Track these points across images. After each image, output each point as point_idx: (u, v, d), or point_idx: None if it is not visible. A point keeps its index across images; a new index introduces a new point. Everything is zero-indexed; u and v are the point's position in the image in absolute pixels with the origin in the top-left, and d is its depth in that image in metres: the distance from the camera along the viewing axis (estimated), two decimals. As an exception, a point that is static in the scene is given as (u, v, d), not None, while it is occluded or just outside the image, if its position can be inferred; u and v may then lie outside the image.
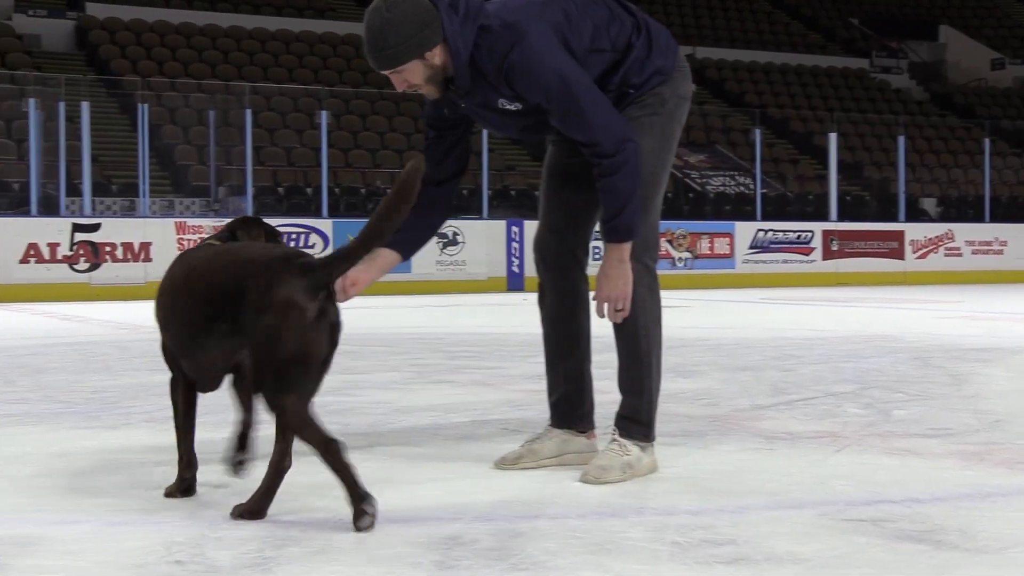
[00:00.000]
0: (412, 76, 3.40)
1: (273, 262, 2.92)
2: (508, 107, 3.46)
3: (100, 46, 25.34)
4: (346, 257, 2.94)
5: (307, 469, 3.65)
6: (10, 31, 25.20)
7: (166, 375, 6.38)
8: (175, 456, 3.63)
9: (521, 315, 11.85)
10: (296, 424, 2.91)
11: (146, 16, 26.70)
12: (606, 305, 3.49)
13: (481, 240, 18.19)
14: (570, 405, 3.77)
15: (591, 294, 3.66)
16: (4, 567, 2.57)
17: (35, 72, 22.29)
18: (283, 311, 2.84)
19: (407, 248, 3.63)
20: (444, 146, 3.68)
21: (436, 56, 3.38)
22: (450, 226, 18.16)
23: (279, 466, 3.00)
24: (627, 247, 3.44)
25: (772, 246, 20.48)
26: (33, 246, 15.77)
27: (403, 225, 3.54)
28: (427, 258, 17.77)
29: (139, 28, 26.15)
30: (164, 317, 3.20)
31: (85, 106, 17.66)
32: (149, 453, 3.98)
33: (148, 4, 27.42)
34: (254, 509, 3.00)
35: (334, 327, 2.92)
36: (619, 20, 3.55)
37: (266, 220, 3.50)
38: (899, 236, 21.63)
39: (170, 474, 3.57)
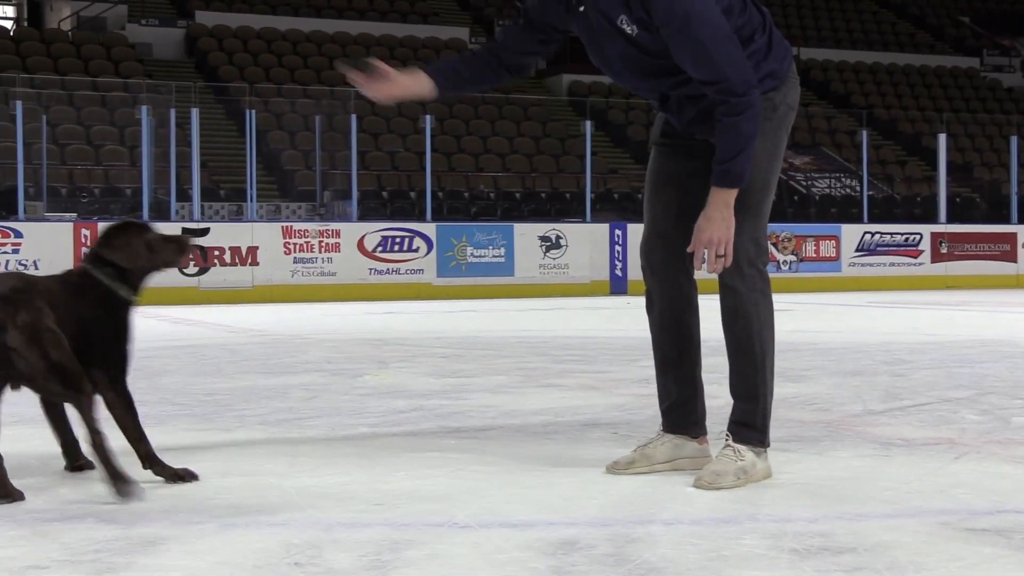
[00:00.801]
0: None
1: None
2: (624, 28, 3.42)
3: (209, 53, 25.80)
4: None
5: (419, 473, 3.68)
6: (123, 40, 25.76)
7: (278, 378, 6.48)
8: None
9: (625, 318, 11.81)
10: None
11: (253, 23, 27.14)
12: (706, 253, 3.42)
13: (584, 243, 18.17)
14: (682, 410, 3.74)
15: (698, 298, 3.63)
16: (128, 566, 2.62)
17: (147, 80, 22.76)
18: None
19: (446, 86, 3.68)
20: (518, 41, 3.68)
21: None
22: (553, 229, 18.19)
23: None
24: (734, 193, 3.40)
25: (879, 249, 20.17)
26: (145, 250, 16.06)
27: (451, 66, 3.68)
28: (530, 261, 17.82)
29: (246, 35, 26.58)
30: None
31: (195, 113, 17.98)
32: (265, 456, 4.03)
33: (255, 12, 27.87)
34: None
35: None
36: (749, 12, 3.53)
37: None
38: (1011, 238, 21.15)
39: (288, 475, 3.62)
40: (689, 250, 3.49)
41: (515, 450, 4.13)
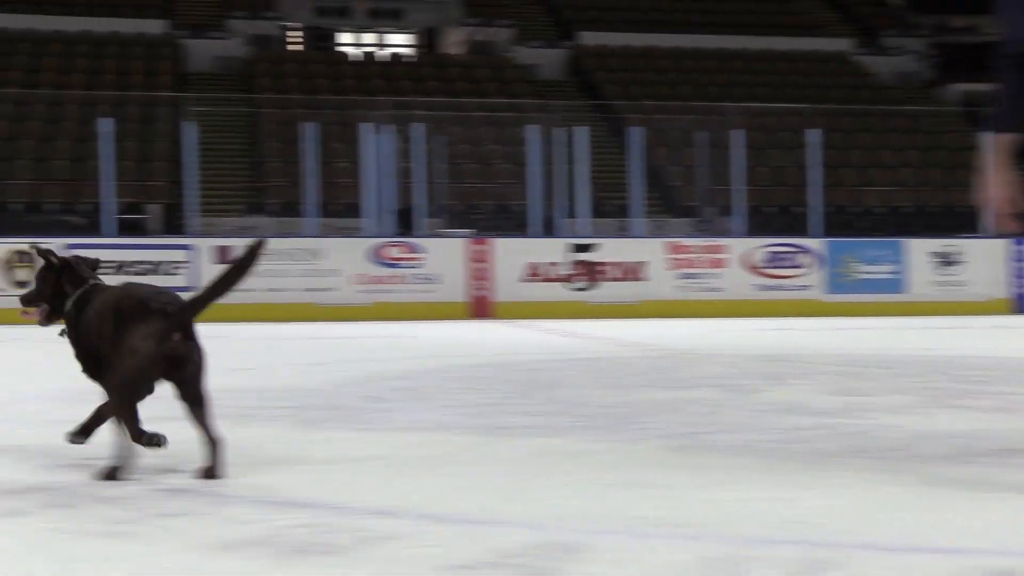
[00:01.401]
0: None
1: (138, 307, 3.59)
2: None
3: (592, 72, 26.36)
4: (194, 305, 3.58)
5: (831, 492, 3.57)
6: (510, 63, 26.72)
7: (673, 392, 6.49)
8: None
9: (1032, 338, 11.14)
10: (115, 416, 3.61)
11: (635, 42, 27.52)
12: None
13: (982, 259, 17.30)
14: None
15: None
16: (554, 571, 2.67)
17: (534, 100, 23.50)
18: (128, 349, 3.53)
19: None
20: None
21: None
22: (948, 245, 17.42)
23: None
24: None
25: None
26: (533, 265, 16.59)
27: (1012, 111, 3.50)
28: (922, 278, 17.15)
29: (628, 54, 26.99)
30: None
31: (580, 131, 18.39)
32: (671, 468, 4.02)
33: (637, 31, 28.25)
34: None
35: (180, 359, 3.56)
36: None
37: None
38: None
39: (696, 488, 3.60)
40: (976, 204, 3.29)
41: (930, 472, 3.95)
